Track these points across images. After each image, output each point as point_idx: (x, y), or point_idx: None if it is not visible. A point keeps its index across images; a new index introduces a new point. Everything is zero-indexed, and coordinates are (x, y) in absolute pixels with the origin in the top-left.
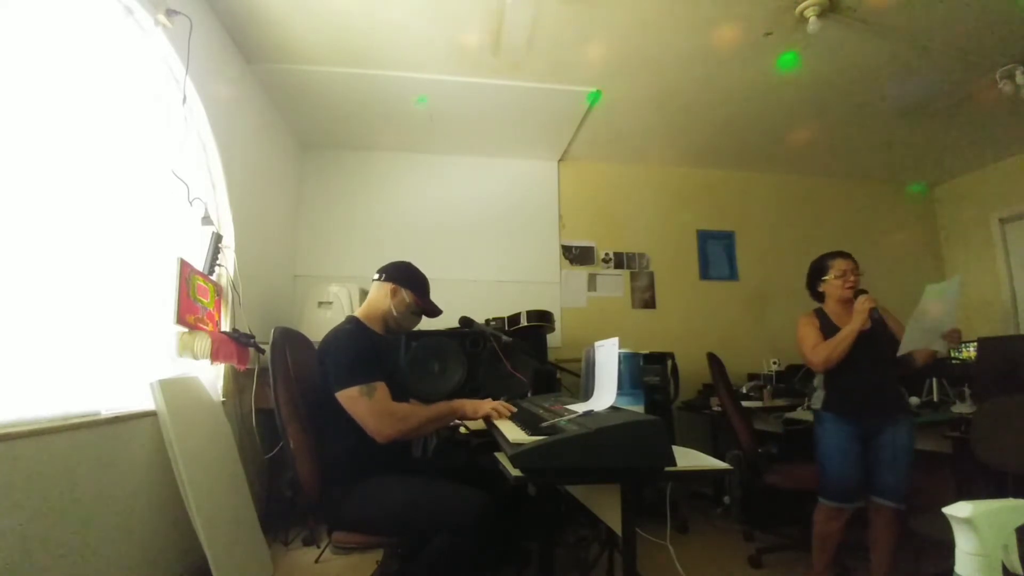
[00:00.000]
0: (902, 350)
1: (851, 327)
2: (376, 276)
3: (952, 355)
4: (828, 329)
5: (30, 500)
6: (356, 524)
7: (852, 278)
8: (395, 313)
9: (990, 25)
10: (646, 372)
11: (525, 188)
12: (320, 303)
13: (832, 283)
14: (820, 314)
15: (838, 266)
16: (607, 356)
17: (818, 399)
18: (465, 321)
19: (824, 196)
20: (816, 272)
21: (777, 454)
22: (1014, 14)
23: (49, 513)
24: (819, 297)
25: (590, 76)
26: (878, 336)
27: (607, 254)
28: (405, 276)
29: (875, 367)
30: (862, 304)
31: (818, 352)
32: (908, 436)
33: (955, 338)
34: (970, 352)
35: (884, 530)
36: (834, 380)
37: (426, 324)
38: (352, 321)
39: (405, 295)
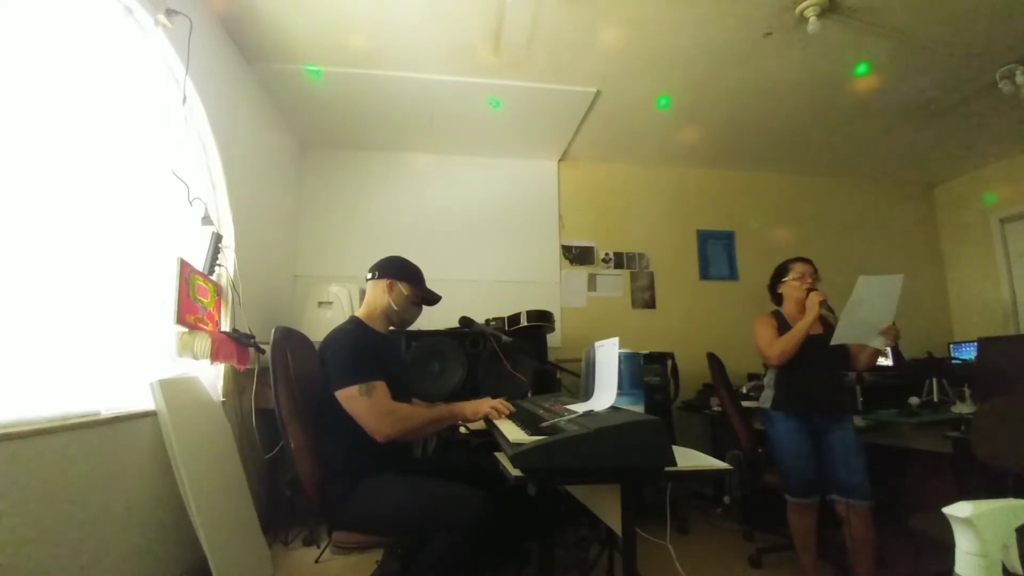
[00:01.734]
0: (835, 340)
1: (804, 320)
2: (369, 275)
3: (952, 357)
4: (784, 328)
5: (30, 500)
6: (356, 524)
7: (810, 280)
8: (396, 307)
9: (990, 25)
10: (646, 372)
11: (525, 188)
12: (320, 303)
13: (791, 284)
14: (777, 315)
15: (797, 269)
16: (607, 356)
17: (767, 398)
18: (465, 321)
19: (824, 196)
20: (778, 274)
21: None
22: (1014, 14)
23: (49, 513)
24: (778, 300)
25: (590, 76)
26: (827, 339)
27: (607, 254)
28: (398, 269)
29: (823, 368)
30: (813, 299)
31: (774, 346)
32: (854, 433)
33: (892, 335)
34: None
35: (859, 529)
36: (784, 378)
37: (427, 324)
38: (353, 321)
39: (402, 287)
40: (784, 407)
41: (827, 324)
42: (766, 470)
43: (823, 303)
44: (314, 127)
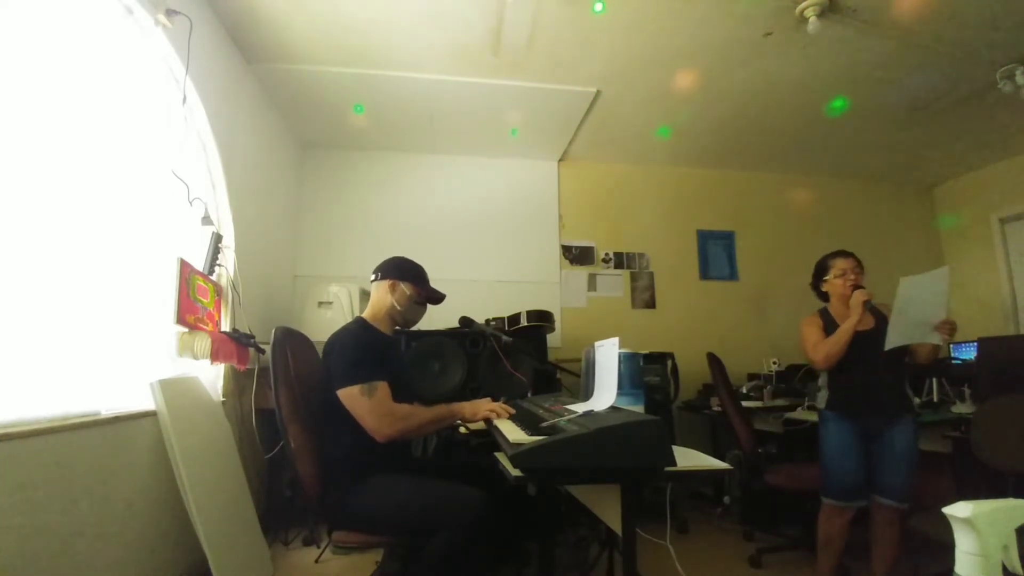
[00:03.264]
0: (888, 344)
1: (848, 322)
2: (373, 277)
3: (952, 357)
4: (831, 328)
5: (30, 500)
6: (356, 523)
7: (852, 276)
8: (399, 307)
9: (990, 25)
10: (646, 372)
11: (525, 188)
12: (320, 303)
13: (833, 282)
14: (824, 314)
15: (839, 265)
16: (607, 356)
17: (821, 398)
18: (465, 321)
19: (824, 196)
20: (819, 272)
21: (777, 454)
22: (1014, 14)
23: (49, 513)
24: (824, 297)
25: (590, 76)
26: (881, 335)
27: (607, 254)
28: (400, 269)
29: (879, 366)
30: (856, 299)
31: (819, 350)
32: (912, 436)
33: (948, 329)
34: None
35: (887, 529)
36: (837, 379)
37: (427, 324)
38: (358, 322)
39: (404, 288)
40: (838, 408)
41: (879, 316)
42: (766, 470)
43: (866, 303)
44: (314, 127)
